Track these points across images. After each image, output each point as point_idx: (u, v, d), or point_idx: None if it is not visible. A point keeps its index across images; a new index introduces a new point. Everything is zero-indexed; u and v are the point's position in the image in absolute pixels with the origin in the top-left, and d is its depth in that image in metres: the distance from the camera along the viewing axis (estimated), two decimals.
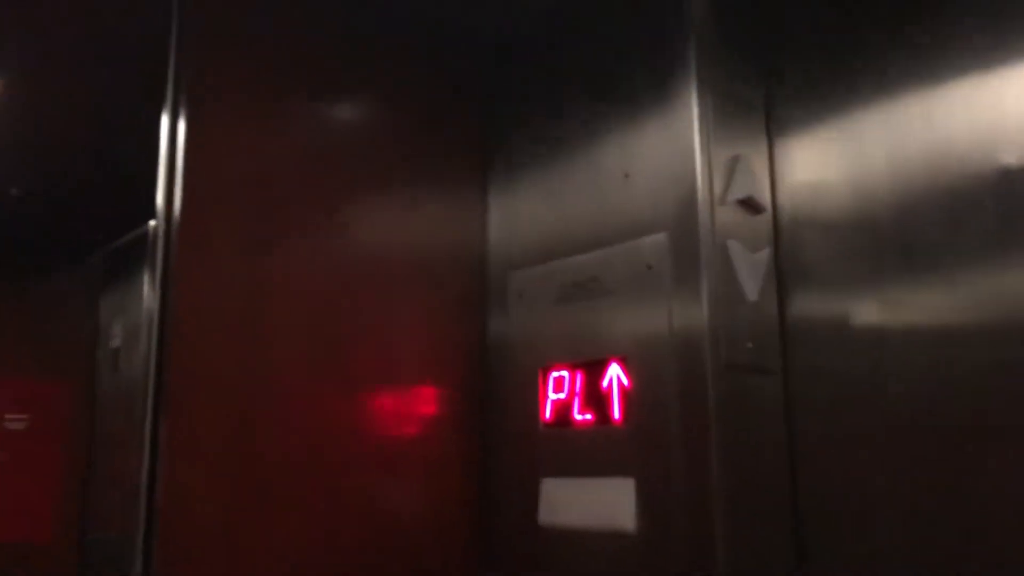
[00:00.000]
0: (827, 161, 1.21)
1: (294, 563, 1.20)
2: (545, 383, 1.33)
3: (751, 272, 1.18)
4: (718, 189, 1.18)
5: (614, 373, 1.24)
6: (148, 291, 2.19)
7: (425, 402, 1.38)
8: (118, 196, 2.27)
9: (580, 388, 1.28)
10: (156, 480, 1.15)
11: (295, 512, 1.21)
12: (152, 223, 2.10)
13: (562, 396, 1.30)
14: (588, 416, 1.26)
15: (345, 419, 1.29)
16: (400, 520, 1.32)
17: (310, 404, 1.26)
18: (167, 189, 1.22)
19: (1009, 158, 1.02)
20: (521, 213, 1.43)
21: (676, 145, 1.20)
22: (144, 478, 1.17)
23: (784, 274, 1.23)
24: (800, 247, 1.23)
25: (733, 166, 1.20)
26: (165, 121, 1.24)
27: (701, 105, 1.18)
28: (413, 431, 1.36)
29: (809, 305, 1.21)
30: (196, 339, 1.18)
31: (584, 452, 1.26)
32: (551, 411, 1.31)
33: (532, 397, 1.34)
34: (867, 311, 1.15)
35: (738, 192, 1.19)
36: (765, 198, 1.24)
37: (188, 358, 1.17)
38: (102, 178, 2.18)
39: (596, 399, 1.25)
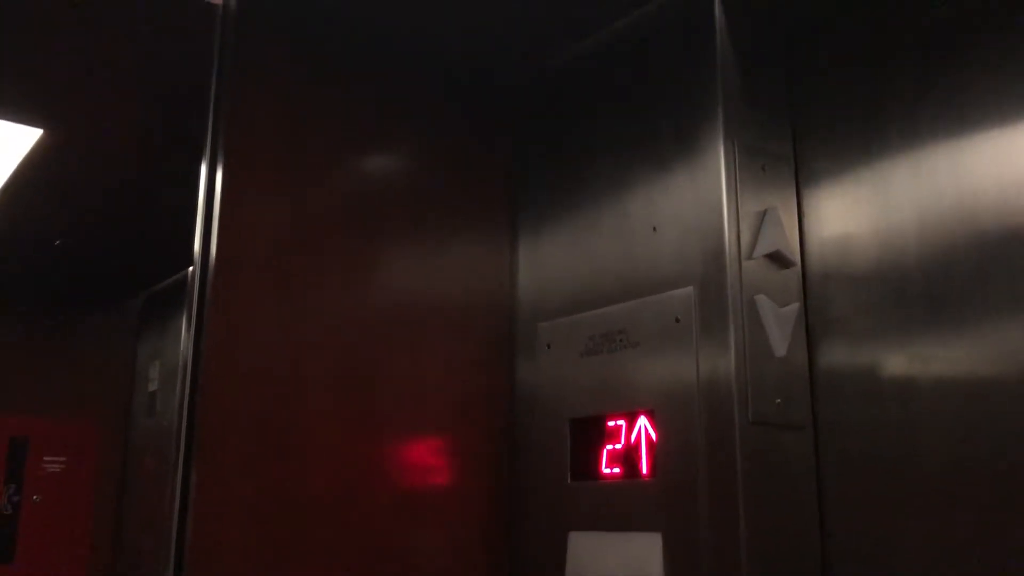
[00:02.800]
0: (856, 213, 1.21)
1: None
2: (573, 435, 1.32)
3: (779, 326, 1.18)
4: (746, 243, 1.18)
5: (642, 426, 1.23)
6: (185, 335, 2.23)
7: (453, 451, 1.38)
8: (159, 241, 2.32)
9: (608, 441, 1.27)
10: (186, 527, 1.16)
11: (323, 560, 1.22)
12: (191, 268, 2.16)
13: (590, 448, 1.29)
14: (616, 470, 1.25)
15: (373, 467, 1.30)
16: (427, 570, 1.31)
17: (339, 451, 1.27)
18: (204, 236, 1.25)
19: None
20: (549, 264, 1.44)
21: (703, 199, 1.20)
22: (174, 525, 1.18)
23: (813, 328, 1.22)
24: (829, 301, 1.22)
25: (761, 220, 1.20)
26: (204, 168, 1.28)
27: (728, 160, 1.19)
28: (440, 480, 1.36)
29: (838, 359, 1.20)
30: (227, 385, 1.20)
31: (611, 506, 1.25)
32: (579, 464, 1.31)
33: (560, 449, 1.33)
34: (896, 364, 1.14)
35: (766, 246, 1.19)
36: (794, 252, 1.23)
37: (219, 403, 1.19)
38: (144, 223, 2.24)
39: (624, 452, 1.25)
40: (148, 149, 1.83)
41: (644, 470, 1.22)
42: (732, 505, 1.10)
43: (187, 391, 1.21)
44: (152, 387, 2.57)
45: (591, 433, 1.30)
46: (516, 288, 1.49)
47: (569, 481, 1.31)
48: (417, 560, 1.31)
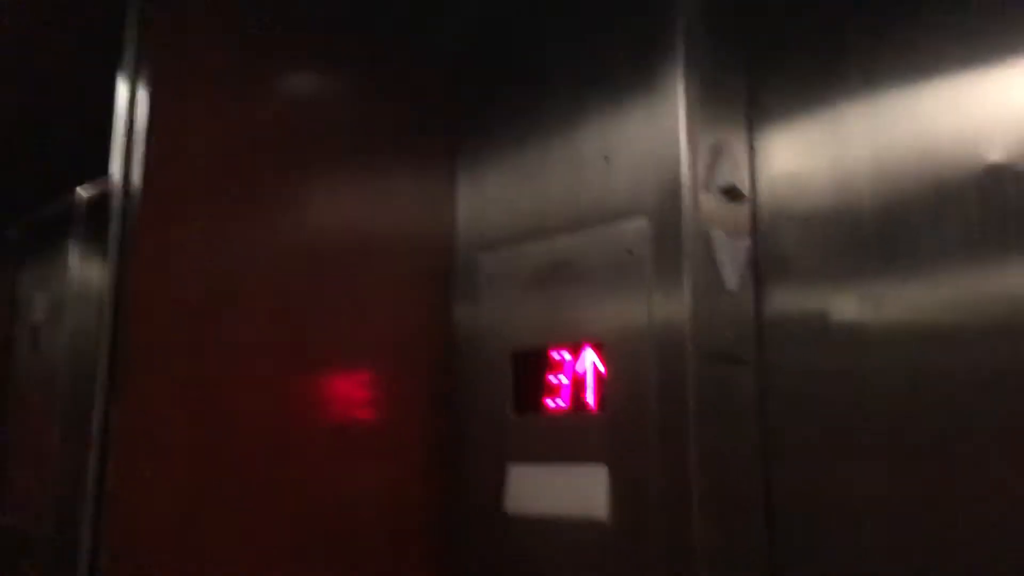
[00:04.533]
0: (810, 152, 1.22)
1: (256, 551, 1.15)
2: (516, 368, 1.30)
3: (732, 261, 1.18)
4: (701, 175, 1.17)
5: (589, 359, 1.22)
6: (75, 264, 2.08)
7: (390, 385, 1.34)
8: (37, 164, 2.14)
9: (552, 374, 1.25)
10: (106, 464, 1.09)
11: (256, 499, 1.16)
12: (79, 191, 2.00)
13: (533, 382, 1.27)
14: (561, 403, 1.24)
15: (308, 401, 1.24)
16: (364, 506, 1.27)
17: (272, 384, 1.20)
18: (124, 158, 1.15)
19: (994, 155, 1.04)
20: (493, 195, 1.39)
21: (660, 129, 1.18)
22: (93, 467, 1.10)
23: (761, 266, 1.23)
24: (779, 239, 1.22)
25: (717, 153, 1.19)
26: (123, 85, 1.17)
27: (687, 90, 1.17)
28: (378, 416, 1.32)
29: (786, 297, 1.21)
30: (154, 316, 1.11)
31: (555, 439, 1.24)
32: (522, 397, 1.29)
33: (502, 382, 1.31)
34: (845, 305, 1.15)
35: (721, 179, 1.18)
36: (746, 187, 1.23)
37: (144, 335, 1.10)
38: (19, 145, 2.05)
39: (569, 386, 1.23)
40: (40, 61, 1.66)
41: (591, 403, 1.21)
42: (681, 438, 1.10)
43: (108, 322, 1.11)
44: (36, 319, 2.39)
45: (535, 366, 1.28)
46: (457, 219, 1.44)
47: (511, 415, 1.29)
48: (354, 495, 1.26)
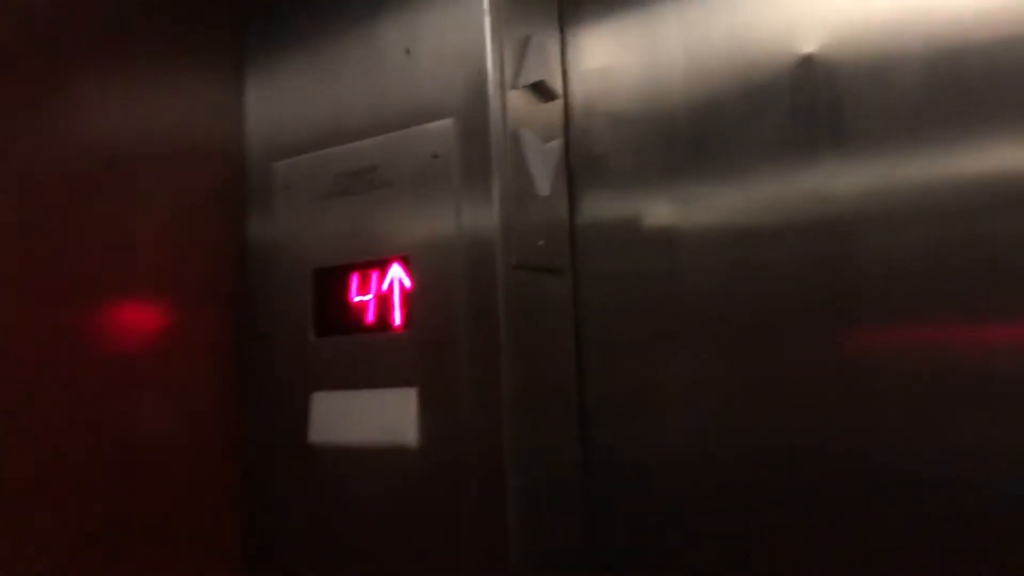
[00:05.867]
0: (622, 47, 1.14)
1: (16, 490, 1.00)
2: (317, 287, 1.19)
3: (543, 163, 1.10)
4: (509, 71, 1.07)
5: (395, 275, 1.12)
6: None
7: (173, 311, 1.19)
8: None
9: (356, 292, 1.15)
10: None
11: (12, 435, 1.00)
12: None
13: (336, 301, 1.17)
14: (367, 323, 1.14)
15: (74, 330, 1.08)
16: (144, 443, 1.14)
17: (30, 311, 1.04)
18: None
19: (807, 47, 1.00)
20: (286, 97, 1.25)
21: (462, 20, 1.07)
22: None
23: (575, 168, 1.16)
24: (592, 140, 1.16)
25: (524, 47, 1.10)
26: None
27: None
28: (157, 343, 1.17)
29: (599, 201, 1.15)
30: None
31: (362, 362, 1.14)
32: (324, 318, 1.18)
33: (301, 303, 1.19)
34: (660, 209, 1.11)
35: (531, 75, 1.09)
36: (557, 83, 1.15)
37: None
38: None
39: (375, 304, 1.13)
40: None
41: (397, 321, 1.11)
42: (493, 354, 1.03)
43: None
44: None
45: (338, 284, 1.17)
46: (246, 123, 1.29)
47: (312, 337, 1.18)
48: (141, 431, 1.13)
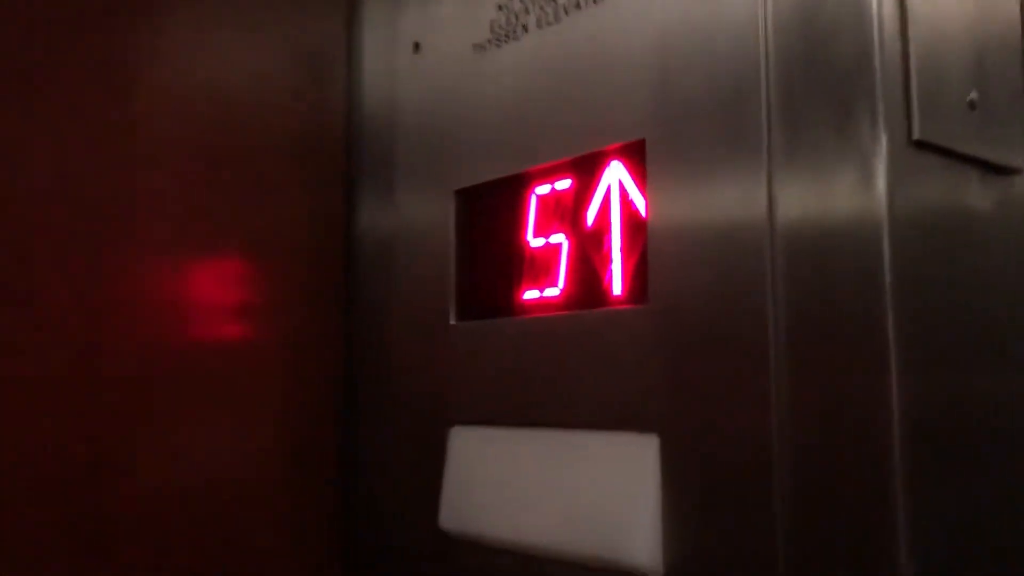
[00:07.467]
0: None
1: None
2: (460, 223, 0.61)
3: None
4: None
5: (614, 185, 0.52)
6: None
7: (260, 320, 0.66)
8: None
9: (536, 230, 0.56)
10: None
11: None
12: None
13: (493, 251, 0.58)
14: (557, 289, 0.55)
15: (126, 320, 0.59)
16: (221, 495, 0.62)
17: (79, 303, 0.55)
18: None
19: None
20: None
21: None
22: None
23: None
24: None
25: None
26: None
27: None
28: (240, 332, 0.65)
29: None
30: None
31: (539, 372, 0.54)
32: (470, 286, 0.60)
33: (431, 260, 0.62)
34: None
35: None
36: None
37: None
38: None
39: (570, 250, 0.54)
40: None
41: (618, 289, 0.51)
42: (876, 363, 0.41)
43: None
44: None
45: (501, 214, 0.58)
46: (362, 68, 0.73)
47: (453, 321, 0.61)
48: (206, 477, 0.61)
